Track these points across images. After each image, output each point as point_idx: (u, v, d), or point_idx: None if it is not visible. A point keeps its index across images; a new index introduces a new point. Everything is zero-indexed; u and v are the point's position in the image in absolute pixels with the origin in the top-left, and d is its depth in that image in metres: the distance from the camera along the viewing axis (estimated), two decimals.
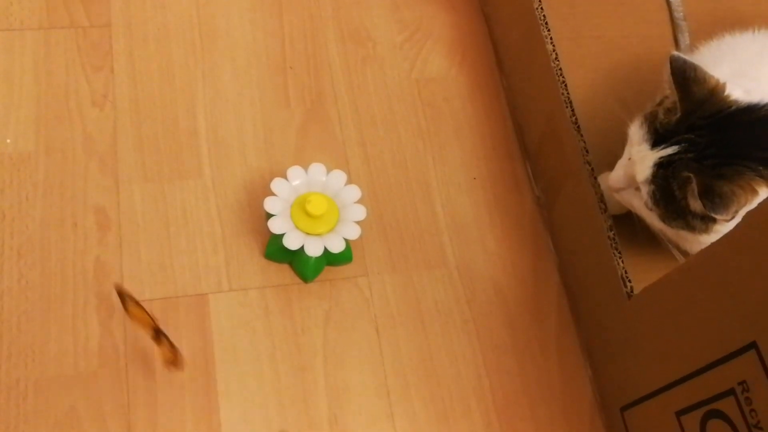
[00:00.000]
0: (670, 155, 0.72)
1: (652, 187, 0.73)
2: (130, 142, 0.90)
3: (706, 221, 0.72)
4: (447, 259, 0.90)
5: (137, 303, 0.75)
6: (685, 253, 0.78)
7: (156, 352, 0.77)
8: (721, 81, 0.73)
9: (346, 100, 0.97)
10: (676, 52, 0.73)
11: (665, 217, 0.74)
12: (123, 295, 0.75)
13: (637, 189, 0.75)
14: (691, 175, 0.70)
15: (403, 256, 0.89)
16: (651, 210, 0.75)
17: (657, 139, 0.73)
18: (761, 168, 0.70)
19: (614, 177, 0.78)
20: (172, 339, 0.76)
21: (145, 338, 0.76)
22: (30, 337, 0.79)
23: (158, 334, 0.75)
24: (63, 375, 0.78)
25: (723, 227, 0.72)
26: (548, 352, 0.87)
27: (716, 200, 0.68)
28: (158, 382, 0.79)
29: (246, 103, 0.95)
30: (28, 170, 0.87)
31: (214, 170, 0.90)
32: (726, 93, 0.72)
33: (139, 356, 0.79)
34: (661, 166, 0.72)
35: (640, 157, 0.74)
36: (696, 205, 0.70)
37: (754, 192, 0.69)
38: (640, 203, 0.76)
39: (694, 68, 0.72)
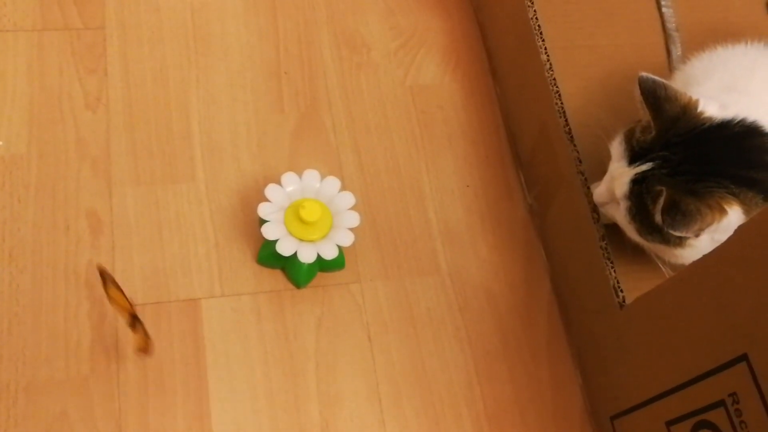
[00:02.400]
0: (644, 171, 0.73)
1: (629, 202, 0.75)
2: (123, 146, 0.90)
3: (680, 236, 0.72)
4: (439, 266, 0.90)
5: (117, 286, 0.74)
6: (673, 267, 0.79)
7: (131, 337, 0.77)
8: (694, 97, 0.73)
9: (340, 106, 0.97)
10: (643, 73, 0.74)
11: (641, 232, 0.75)
12: (104, 276, 0.74)
13: (619, 204, 0.76)
14: (663, 188, 0.70)
15: (395, 262, 0.89)
16: (629, 224, 0.76)
17: (633, 156, 0.74)
18: (733, 186, 0.70)
19: (598, 192, 0.79)
20: (151, 334, 0.77)
21: (119, 322, 0.77)
22: (21, 340, 0.78)
23: (134, 321, 0.75)
24: (54, 379, 0.77)
25: (697, 242, 0.72)
26: (539, 360, 0.87)
27: (677, 217, 0.69)
28: (150, 386, 0.78)
29: (240, 108, 0.95)
30: (21, 172, 0.86)
31: (207, 174, 0.90)
32: (699, 109, 0.73)
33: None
34: (636, 182, 0.74)
35: (619, 174, 0.75)
36: (659, 219, 0.71)
37: (723, 211, 0.70)
38: (621, 217, 0.77)
39: (664, 87, 0.73)
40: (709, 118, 0.72)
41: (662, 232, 0.73)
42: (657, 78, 0.73)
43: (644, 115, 0.75)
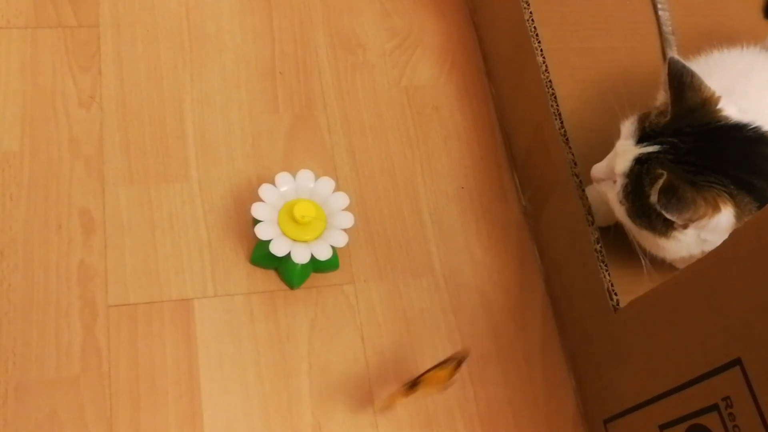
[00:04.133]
0: (650, 153, 0.73)
1: (627, 180, 0.75)
2: (116, 144, 0.89)
3: (667, 224, 0.73)
4: (433, 267, 0.90)
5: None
6: (653, 259, 0.79)
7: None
8: (717, 94, 0.73)
9: (335, 107, 0.97)
10: (675, 56, 0.74)
11: (631, 213, 0.75)
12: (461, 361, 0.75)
13: (615, 182, 0.76)
14: (664, 172, 0.71)
15: (389, 263, 0.89)
16: (621, 203, 0.76)
17: (642, 137, 0.75)
18: (732, 187, 0.70)
19: (597, 168, 0.79)
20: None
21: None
22: (11, 339, 0.78)
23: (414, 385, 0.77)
24: (44, 378, 0.77)
25: (682, 235, 0.73)
26: (533, 363, 0.87)
27: (673, 200, 0.69)
28: (141, 387, 0.78)
29: (234, 107, 0.94)
30: (13, 170, 0.86)
31: (201, 174, 0.90)
32: (719, 107, 0.73)
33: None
34: (639, 161, 0.74)
35: (623, 151, 0.76)
36: (654, 198, 0.71)
37: (717, 208, 0.70)
38: (613, 195, 0.77)
39: (692, 75, 0.73)
40: (726, 117, 0.73)
41: (651, 217, 0.73)
42: (687, 65, 0.74)
43: (665, 96, 0.75)
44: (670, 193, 0.69)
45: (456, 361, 0.75)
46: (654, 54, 1.03)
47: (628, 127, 0.77)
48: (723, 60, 0.85)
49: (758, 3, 1.06)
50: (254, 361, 0.81)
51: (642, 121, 0.76)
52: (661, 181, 0.70)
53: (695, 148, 0.72)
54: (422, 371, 0.76)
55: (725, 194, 0.70)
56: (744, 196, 0.70)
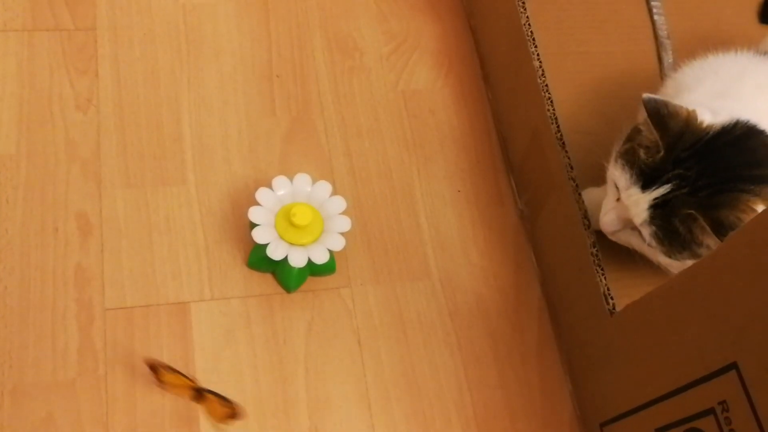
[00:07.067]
0: (664, 195, 0.72)
1: (653, 228, 0.73)
2: (113, 147, 0.89)
3: (711, 249, 0.72)
4: (430, 271, 0.90)
5: (170, 368, 0.75)
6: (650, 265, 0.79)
7: (201, 410, 0.77)
8: (690, 108, 0.73)
9: (332, 110, 0.97)
10: (646, 94, 0.73)
11: (671, 253, 0.74)
12: (155, 367, 0.75)
13: (634, 229, 0.75)
14: (693, 211, 0.70)
15: (386, 267, 0.89)
16: (653, 247, 0.74)
17: (646, 181, 0.73)
18: (753, 186, 0.70)
19: (607, 221, 0.78)
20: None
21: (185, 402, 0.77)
22: (8, 343, 0.78)
23: (200, 393, 0.75)
24: (41, 382, 0.77)
25: None
26: (529, 366, 0.87)
27: (728, 233, 0.68)
28: (138, 390, 0.78)
29: (231, 111, 0.94)
30: (9, 173, 0.86)
31: (198, 177, 0.90)
32: (699, 120, 0.73)
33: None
34: (657, 206, 0.72)
35: (633, 201, 0.74)
36: (710, 241, 0.70)
37: (754, 212, 0.70)
38: (639, 242, 0.76)
39: (666, 104, 0.73)
40: (710, 126, 0.72)
41: (692, 248, 0.72)
42: (658, 97, 0.73)
43: (649, 133, 0.74)
44: (722, 228, 0.68)
45: (233, 411, 0.75)
46: (650, 58, 1.03)
47: (621, 176, 0.75)
48: (717, 64, 0.86)
49: (753, 8, 1.06)
50: (251, 364, 0.81)
51: (633, 163, 0.74)
52: (701, 224, 0.69)
53: (702, 170, 0.71)
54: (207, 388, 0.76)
55: (752, 197, 0.70)
56: (765, 188, 0.70)
